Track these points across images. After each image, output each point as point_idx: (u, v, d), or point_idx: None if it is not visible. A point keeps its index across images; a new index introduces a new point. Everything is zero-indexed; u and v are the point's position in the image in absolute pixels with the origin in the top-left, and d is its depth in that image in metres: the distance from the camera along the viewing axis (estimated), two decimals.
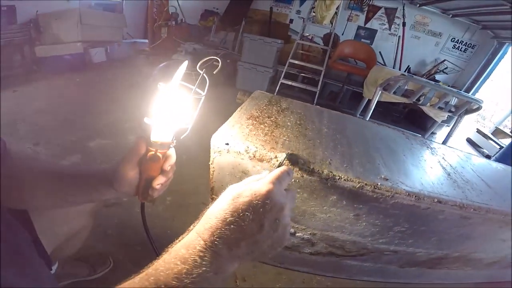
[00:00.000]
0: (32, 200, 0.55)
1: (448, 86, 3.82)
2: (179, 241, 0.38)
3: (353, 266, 1.21)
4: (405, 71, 4.49)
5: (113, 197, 0.57)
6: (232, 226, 0.36)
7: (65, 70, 3.22)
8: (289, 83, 3.78)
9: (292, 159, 0.66)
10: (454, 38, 4.74)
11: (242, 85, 3.92)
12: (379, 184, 0.73)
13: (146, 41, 4.78)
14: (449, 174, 1.03)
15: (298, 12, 5.26)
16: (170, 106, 0.48)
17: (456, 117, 2.82)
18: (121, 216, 1.38)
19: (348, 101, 4.44)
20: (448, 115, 2.83)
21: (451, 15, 4.50)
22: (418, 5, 4.55)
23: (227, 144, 0.74)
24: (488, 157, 3.73)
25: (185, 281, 0.33)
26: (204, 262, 0.34)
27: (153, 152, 0.50)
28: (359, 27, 5.09)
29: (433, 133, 3.99)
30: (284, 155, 0.60)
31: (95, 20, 3.55)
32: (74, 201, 0.61)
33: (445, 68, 4.71)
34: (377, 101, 2.77)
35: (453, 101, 2.69)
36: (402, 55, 4.74)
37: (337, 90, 4.46)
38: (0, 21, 2.71)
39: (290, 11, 5.34)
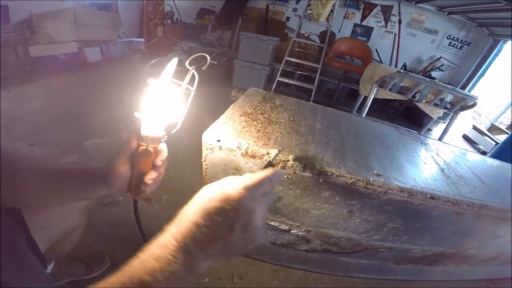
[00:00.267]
0: (24, 198, 0.55)
1: (444, 83, 3.83)
2: (155, 240, 0.39)
3: (349, 263, 1.21)
4: (401, 68, 4.50)
5: (106, 193, 0.57)
6: (204, 229, 0.37)
7: (60, 70, 3.19)
8: (286, 80, 3.77)
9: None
10: (450, 36, 4.75)
11: (239, 83, 3.90)
12: (371, 180, 0.73)
13: (142, 40, 4.75)
14: (442, 170, 1.03)
15: (295, 10, 5.25)
16: (159, 101, 0.48)
17: (451, 114, 2.83)
18: (117, 215, 1.37)
19: (344, 99, 4.44)
20: (443, 112, 2.84)
21: (446, 13, 4.51)
22: (414, 3, 4.56)
23: (219, 140, 0.73)
24: (484, 153, 3.75)
25: (158, 277, 0.34)
26: (176, 261, 0.36)
27: (144, 147, 0.50)
28: (355, 25, 5.09)
29: (429, 129, 4.01)
30: (276, 151, 0.59)
31: (90, 19, 3.52)
32: (67, 199, 0.61)
33: (441, 65, 4.72)
34: (374, 98, 2.77)
35: (449, 97, 2.69)
36: (398, 53, 4.75)
37: (333, 87, 4.46)
38: (0, 21, 2.69)
39: (286, 9, 5.33)
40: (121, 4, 4.71)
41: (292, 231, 1.01)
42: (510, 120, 4.56)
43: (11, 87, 2.54)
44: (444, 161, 1.12)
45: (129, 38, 4.78)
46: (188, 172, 1.75)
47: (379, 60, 4.81)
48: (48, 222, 0.70)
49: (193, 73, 0.54)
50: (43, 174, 0.55)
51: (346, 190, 0.75)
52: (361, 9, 4.94)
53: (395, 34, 4.76)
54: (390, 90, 2.67)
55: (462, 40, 4.74)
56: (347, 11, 4.99)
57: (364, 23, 5.04)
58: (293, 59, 3.76)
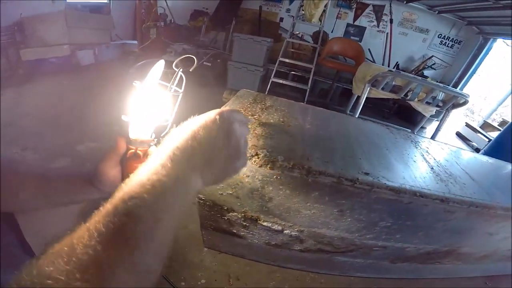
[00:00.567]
0: (16, 202, 0.55)
1: (437, 81, 3.88)
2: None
3: (345, 263, 1.21)
4: (393, 68, 4.54)
5: (98, 197, 0.57)
6: (188, 141, 0.38)
7: (52, 73, 3.17)
8: (280, 81, 3.79)
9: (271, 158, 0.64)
10: (441, 34, 4.81)
11: (233, 85, 3.91)
12: (359, 178, 0.74)
13: (135, 42, 4.73)
14: (432, 168, 1.04)
15: (288, 10, 5.28)
16: (146, 104, 0.48)
17: (444, 112, 2.87)
18: None
19: (338, 98, 4.47)
20: (436, 110, 2.87)
21: (437, 12, 4.57)
22: (405, 2, 4.61)
23: None
24: (477, 150, 3.80)
25: (147, 186, 0.33)
26: (163, 168, 0.35)
27: (133, 150, 0.50)
28: (348, 25, 5.13)
29: (422, 127, 4.05)
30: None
31: (82, 22, 3.50)
32: (59, 202, 0.61)
33: (433, 64, 4.78)
34: (367, 98, 2.79)
35: (440, 96, 2.73)
36: (391, 52, 4.80)
37: (327, 87, 4.49)
38: (0, 22, 2.66)
39: (280, 9, 5.36)
40: (114, 6, 4.69)
41: (285, 231, 1.01)
42: (502, 117, 4.63)
43: (2, 91, 2.51)
44: (434, 159, 1.13)
45: (122, 40, 4.75)
46: None
47: (372, 60, 4.85)
48: (41, 227, 0.70)
49: (181, 75, 0.54)
50: (33, 178, 0.55)
51: (335, 189, 0.75)
52: (354, 9, 4.98)
53: (387, 33, 4.80)
54: (382, 89, 2.70)
55: (453, 38, 4.80)
56: (339, 11, 5.03)
57: (356, 23, 5.08)
58: (287, 60, 3.78)
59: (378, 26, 5.01)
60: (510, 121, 3.19)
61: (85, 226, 0.31)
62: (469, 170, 1.16)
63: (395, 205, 0.83)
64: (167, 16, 4.92)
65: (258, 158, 0.72)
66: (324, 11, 3.74)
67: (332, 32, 5.09)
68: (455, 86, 4.75)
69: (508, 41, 4.46)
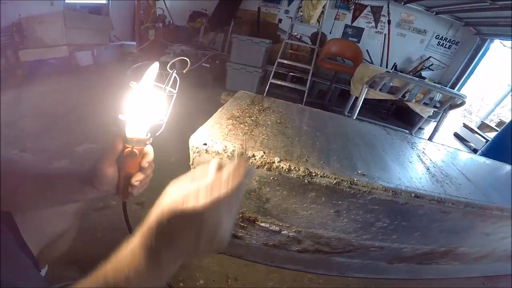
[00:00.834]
0: (14, 202, 0.55)
1: (434, 82, 3.89)
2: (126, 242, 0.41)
3: (343, 263, 1.22)
4: (391, 69, 4.56)
5: (95, 196, 0.58)
6: (166, 230, 0.37)
7: (51, 74, 3.16)
8: (278, 82, 3.79)
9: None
10: (439, 35, 4.83)
11: (232, 86, 3.91)
12: (355, 179, 0.75)
13: (134, 43, 4.72)
14: (428, 169, 1.05)
15: (287, 11, 5.29)
16: (142, 104, 0.49)
17: (441, 112, 2.88)
18: (111, 219, 1.37)
19: (337, 99, 4.48)
20: (433, 111, 2.88)
21: (434, 13, 4.58)
22: (402, 3, 4.62)
23: (205, 144, 0.74)
24: (475, 150, 3.81)
25: (126, 274, 0.36)
26: (141, 257, 0.37)
27: (129, 149, 0.51)
28: (346, 26, 5.14)
29: (420, 128, 4.06)
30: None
31: (80, 23, 3.49)
32: (57, 201, 0.62)
33: (431, 65, 4.80)
34: (365, 99, 2.80)
35: (438, 96, 2.74)
36: (389, 53, 4.81)
37: (325, 88, 4.50)
38: (0, 22, 2.65)
39: (278, 10, 5.36)
40: (113, 7, 4.69)
41: (283, 232, 1.01)
42: (499, 118, 4.65)
43: (1, 92, 2.51)
44: (430, 160, 1.14)
45: (121, 41, 4.75)
46: (180, 175, 1.76)
47: (370, 61, 4.87)
48: (39, 226, 0.71)
49: (175, 76, 0.55)
50: (32, 177, 0.56)
51: (331, 190, 0.76)
52: (352, 10, 4.99)
53: (385, 34, 4.82)
54: (380, 90, 2.71)
55: (450, 39, 4.82)
56: (337, 12, 5.04)
57: (354, 24, 5.09)
58: (285, 61, 3.79)
59: (376, 27, 5.03)
60: (507, 121, 3.20)
61: None
62: (465, 171, 1.17)
63: (391, 206, 0.84)
64: (165, 17, 4.92)
65: (255, 159, 0.73)
66: (322, 12, 3.75)
67: (330, 33, 5.10)
68: (453, 87, 4.76)
69: (505, 42, 4.48)
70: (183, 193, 0.40)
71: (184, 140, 0.76)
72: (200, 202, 0.38)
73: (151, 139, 0.54)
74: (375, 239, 1.04)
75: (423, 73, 4.75)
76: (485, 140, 3.91)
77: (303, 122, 1.06)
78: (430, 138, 2.91)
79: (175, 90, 0.55)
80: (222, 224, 0.39)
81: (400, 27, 4.92)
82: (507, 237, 1.13)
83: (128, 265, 0.37)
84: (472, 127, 4.45)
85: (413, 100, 2.75)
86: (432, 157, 1.19)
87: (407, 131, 3.30)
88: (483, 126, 4.55)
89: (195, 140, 0.75)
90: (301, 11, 3.85)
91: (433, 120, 3.80)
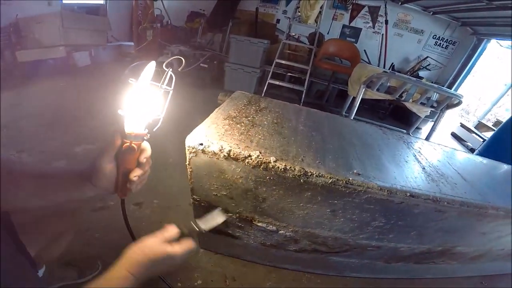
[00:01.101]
0: (12, 202, 0.55)
1: (432, 82, 3.91)
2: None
3: (340, 263, 1.22)
4: (389, 69, 4.58)
5: (93, 194, 0.59)
6: (147, 268, 0.56)
7: (49, 74, 3.15)
8: (276, 83, 3.80)
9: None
10: (436, 35, 4.85)
11: (230, 86, 3.92)
12: (350, 179, 0.75)
13: (132, 44, 4.72)
14: (424, 168, 1.05)
15: (285, 12, 5.29)
16: (140, 100, 0.51)
17: (438, 112, 2.89)
18: (109, 219, 1.37)
19: (335, 99, 4.50)
20: (430, 110, 2.90)
21: (431, 13, 4.60)
22: (400, 3, 4.64)
23: (201, 144, 0.74)
24: (472, 150, 3.83)
25: None
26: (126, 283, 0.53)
27: (128, 144, 0.53)
28: (344, 26, 5.15)
29: (418, 128, 4.08)
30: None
31: (78, 23, 3.48)
32: (55, 200, 0.62)
33: (428, 65, 4.82)
34: (363, 99, 2.81)
35: (435, 96, 2.75)
36: (386, 53, 4.83)
37: (323, 88, 4.51)
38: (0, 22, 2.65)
39: (276, 11, 5.37)
40: (110, 7, 4.68)
41: (280, 232, 1.02)
42: (496, 117, 4.68)
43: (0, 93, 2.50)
44: (426, 160, 1.15)
45: (119, 42, 4.74)
46: (178, 176, 1.76)
47: (368, 61, 4.88)
48: (37, 226, 0.71)
49: (171, 75, 0.56)
50: (30, 177, 0.56)
51: (327, 189, 0.76)
52: (349, 10, 5.01)
53: (382, 34, 4.83)
54: (377, 90, 2.72)
55: (447, 39, 4.84)
56: (335, 12, 5.05)
57: (352, 24, 5.10)
58: (283, 61, 3.79)
59: (373, 27, 5.04)
60: (503, 121, 3.22)
61: None
62: (461, 170, 1.17)
63: (387, 205, 0.84)
64: (163, 17, 4.91)
65: (251, 159, 0.73)
66: (320, 12, 3.76)
67: (328, 33, 5.11)
68: (450, 86, 4.78)
69: (502, 42, 4.50)
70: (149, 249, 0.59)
71: (182, 140, 0.76)
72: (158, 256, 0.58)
73: (148, 134, 0.56)
74: (372, 239, 1.04)
75: (421, 73, 4.77)
76: (482, 140, 3.93)
77: (300, 122, 1.06)
78: (427, 138, 2.92)
79: (171, 87, 0.56)
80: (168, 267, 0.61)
81: (398, 27, 4.93)
82: (503, 236, 1.14)
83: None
84: (469, 127, 4.48)
85: (410, 100, 2.77)
86: (428, 156, 1.19)
87: (404, 131, 3.31)
88: (480, 126, 4.57)
89: (192, 140, 0.76)
90: (299, 12, 3.85)
91: (431, 120, 3.82)
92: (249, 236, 1.07)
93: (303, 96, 3.76)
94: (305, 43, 4.49)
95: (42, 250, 0.73)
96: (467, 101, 6.44)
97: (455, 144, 4.29)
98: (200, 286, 1.19)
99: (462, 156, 1.43)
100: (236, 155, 0.74)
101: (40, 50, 3.17)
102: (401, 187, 0.83)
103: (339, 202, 0.82)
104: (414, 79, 2.86)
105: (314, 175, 0.73)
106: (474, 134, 4.25)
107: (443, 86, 3.91)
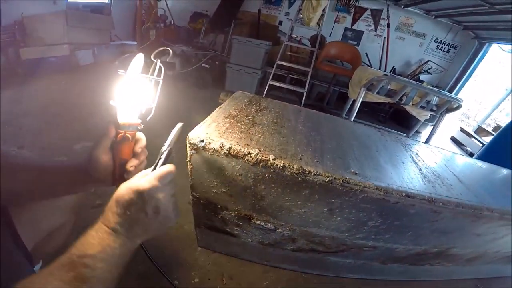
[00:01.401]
0: (11, 195, 0.56)
1: (432, 86, 3.92)
2: (87, 230, 0.49)
3: (337, 263, 1.23)
4: (390, 72, 4.59)
5: (91, 186, 0.61)
6: (123, 216, 0.47)
7: (51, 72, 3.17)
8: (278, 84, 3.81)
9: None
10: (438, 39, 4.87)
11: (231, 87, 3.94)
12: (348, 178, 0.76)
13: (135, 43, 4.75)
14: (420, 170, 1.07)
15: (287, 14, 5.32)
16: (131, 90, 0.53)
17: (438, 116, 2.91)
18: None
19: (335, 102, 4.51)
20: (430, 114, 2.91)
21: (434, 16, 4.62)
22: (402, 6, 4.66)
23: (202, 141, 0.76)
24: (471, 155, 3.83)
25: (95, 256, 0.43)
26: (109, 239, 0.46)
27: (122, 134, 0.54)
28: (346, 29, 5.18)
29: (417, 131, 4.09)
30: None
31: (82, 22, 3.51)
32: (53, 194, 0.63)
33: (429, 69, 4.83)
34: (363, 101, 2.83)
35: (434, 100, 2.77)
36: (388, 56, 4.84)
37: (324, 91, 4.53)
38: (0, 20, 2.67)
39: (279, 13, 5.40)
40: (114, 7, 4.71)
41: (278, 230, 1.03)
42: (496, 122, 4.68)
43: (1, 90, 2.52)
44: (423, 161, 1.16)
45: (122, 41, 4.77)
46: (179, 173, 1.78)
47: (369, 64, 4.90)
48: (34, 220, 0.72)
49: (159, 65, 0.58)
50: (28, 171, 0.58)
51: (324, 188, 0.78)
52: (352, 13, 5.03)
53: (384, 37, 4.85)
54: (377, 93, 2.73)
55: (449, 43, 4.86)
56: (337, 15, 5.08)
57: (354, 27, 5.13)
58: (284, 63, 3.81)
59: (375, 31, 5.06)
60: (503, 126, 3.23)
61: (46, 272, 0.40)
62: (458, 173, 1.18)
63: (383, 205, 0.85)
64: (167, 17, 4.95)
65: (250, 156, 0.75)
66: (322, 15, 3.79)
67: (330, 36, 5.14)
68: (451, 90, 4.79)
69: (504, 46, 4.51)
70: (130, 185, 0.49)
71: (182, 139, 0.78)
72: (144, 184, 0.48)
73: (142, 124, 0.57)
74: (368, 239, 1.05)
75: (422, 77, 4.79)
76: (481, 145, 3.93)
77: (299, 122, 1.08)
78: (426, 142, 2.94)
79: (161, 78, 0.58)
80: (163, 199, 0.50)
81: (400, 30, 4.95)
82: (498, 238, 1.15)
83: (94, 246, 0.44)
84: (469, 131, 4.48)
85: (410, 103, 2.78)
86: (425, 158, 1.20)
87: (404, 134, 3.32)
88: (480, 131, 4.57)
89: (193, 138, 0.77)
90: (301, 14, 3.88)
91: (430, 124, 3.82)
92: (247, 234, 1.08)
93: (304, 98, 3.78)
94: (306, 45, 4.51)
95: (39, 245, 0.74)
96: (467, 105, 6.45)
97: (454, 148, 4.30)
98: (197, 284, 1.20)
99: (460, 159, 1.44)
100: (236, 152, 0.76)
101: (44, 48, 3.20)
102: (397, 187, 0.84)
103: (336, 201, 0.83)
104: (414, 82, 2.88)
105: (312, 174, 0.75)
106: (473, 139, 4.25)
107: (443, 90, 3.92)
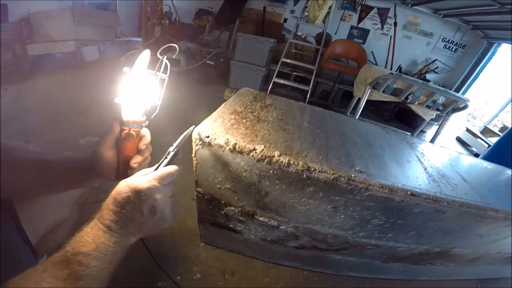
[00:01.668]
0: (15, 189, 0.57)
1: (439, 85, 3.88)
2: (83, 227, 0.49)
3: (339, 261, 1.23)
4: (396, 71, 4.55)
5: (95, 181, 0.61)
6: (118, 214, 0.47)
7: (57, 68, 3.21)
8: (282, 81, 3.81)
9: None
10: (445, 38, 4.81)
11: (236, 84, 3.94)
12: (353, 176, 0.76)
13: (140, 39, 4.77)
14: (425, 169, 1.06)
15: (292, 11, 5.30)
16: (136, 87, 0.53)
17: (444, 116, 2.87)
18: None
19: (340, 100, 4.49)
20: (436, 114, 2.88)
21: (442, 15, 4.56)
22: (410, 5, 4.61)
23: (208, 137, 0.76)
24: (476, 155, 3.80)
25: (91, 253, 0.43)
26: (104, 237, 0.46)
27: (126, 131, 0.54)
28: (352, 27, 5.14)
29: (422, 131, 4.05)
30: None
31: (88, 18, 3.54)
32: (58, 189, 0.64)
33: (436, 68, 4.78)
34: (368, 100, 2.81)
35: (441, 99, 2.74)
36: (394, 55, 4.80)
37: (329, 89, 4.51)
38: (0, 19, 2.71)
39: (284, 10, 5.38)
40: (120, 3, 4.74)
41: (281, 227, 1.03)
42: (503, 123, 4.61)
43: (8, 85, 2.56)
44: (429, 161, 1.15)
45: (127, 37, 4.80)
46: (185, 170, 1.79)
47: (375, 63, 4.86)
48: (39, 215, 0.73)
49: (165, 63, 0.57)
50: (33, 165, 0.58)
51: (329, 185, 0.77)
52: (358, 12, 4.99)
53: (390, 36, 4.81)
54: (383, 91, 2.71)
55: (457, 43, 4.80)
56: (344, 13, 5.04)
57: (360, 25, 5.09)
58: (289, 60, 3.80)
59: (382, 29, 5.02)
60: (510, 126, 3.19)
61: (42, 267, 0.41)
62: (463, 173, 1.17)
63: (387, 203, 0.85)
64: (172, 14, 4.96)
65: (256, 152, 0.75)
66: (328, 13, 3.75)
67: (335, 34, 5.11)
68: (458, 90, 4.74)
69: None
70: (129, 183, 0.49)
71: (191, 139, 0.78)
72: (143, 183, 0.48)
73: (147, 121, 0.57)
74: (371, 237, 1.05)
75: (428, 76, 4.74)
76: (487, 145, 3.89)
77: (304, 119, 1.07)
78: (431, 141, 2.91)
79: (167, 74, 0.58)
80: (161, 200, 0.49)
81: (407, 29, 4.90)
82: (500, 239, 1.14)
83: (89, 244, 0.44)
84: (475, 132, 4.43)
85: (416, 103, 2.75)
86: (431, 158, 1.19)
87: (409, 133, 3.30)
88: (486, 131, 4.52)
89: (198, 133, 0.78)
90: (307, 12, 3.85)
91: (436, 123, 3.79)
92: (250, 230, 1.09)
93: (308, 95, 3.77)
94: (312, 43, 4.49)
95: (44, 238, 0.75)
96: (474, 105, 6.37)
97: (459, 148, 4.26)
98: (198, 280, 1.21)
99: (465, 159, 1.43)
100: (241, 148, 0.76)
101: (50, 44, 3.23)
102: (402, 186, 0.84)
103: (341, 198, 0.83)
104: (420, 81, 2.85)
105: (317, 171, 0.75)
106: (479, 139, 4.21)
107: (450, 90, 3.87)
